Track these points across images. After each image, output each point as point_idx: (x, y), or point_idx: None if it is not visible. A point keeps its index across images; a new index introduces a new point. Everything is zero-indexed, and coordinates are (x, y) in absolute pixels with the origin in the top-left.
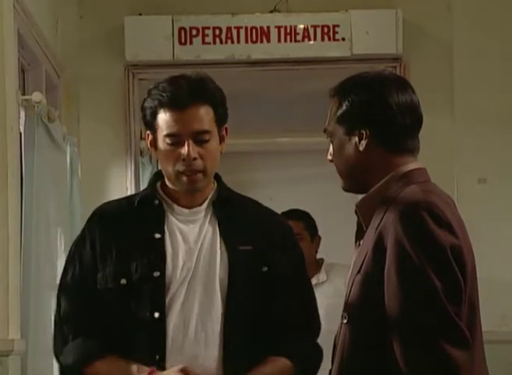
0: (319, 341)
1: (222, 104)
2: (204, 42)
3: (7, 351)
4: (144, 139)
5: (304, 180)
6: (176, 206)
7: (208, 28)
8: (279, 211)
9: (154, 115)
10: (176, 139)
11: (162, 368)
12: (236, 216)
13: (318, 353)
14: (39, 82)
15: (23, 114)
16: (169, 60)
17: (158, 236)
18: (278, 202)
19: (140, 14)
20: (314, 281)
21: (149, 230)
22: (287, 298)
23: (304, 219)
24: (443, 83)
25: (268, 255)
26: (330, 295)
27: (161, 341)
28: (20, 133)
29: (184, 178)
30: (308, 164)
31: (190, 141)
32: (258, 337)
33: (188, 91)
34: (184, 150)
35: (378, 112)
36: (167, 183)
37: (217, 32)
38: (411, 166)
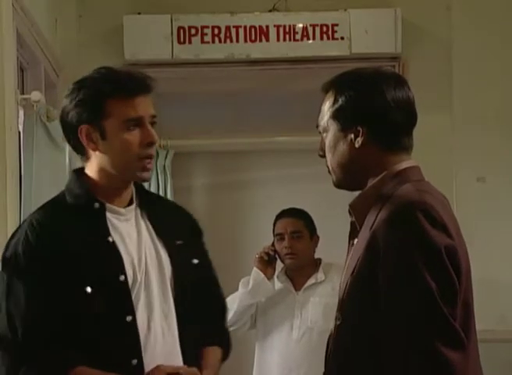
0: (316, 340)
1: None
2: (203, 41)
3: None
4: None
5: (302, 179)
6: (112, 206)
7: (207, 27)
8: (277, 209)
9: (102, 104)
10: (137, 123)
11: (141, 372)
12: (161, 212)
13: (231, 338)
14: (38, 81)
15: (21, 113)
16: (168, 59)
17: (110, 239)
18: (276, 201)
19: (139, 13)
20: (312, 281)
21: (98, 234)
22: (211, 286)
23: (304, 218)
24: (442, 83)
25: (194, 248)
26: (328, 295)
27: (136, 345)
28: (19, 133)
29: (141, 164)
30: (307, 163)
31: (149, 125)
32: (198, 327)
33: (136, 78)
34: (149, 133)
35: (375, 109)
36: (96, 181)
37: (216, 31)
38: (405, 164)
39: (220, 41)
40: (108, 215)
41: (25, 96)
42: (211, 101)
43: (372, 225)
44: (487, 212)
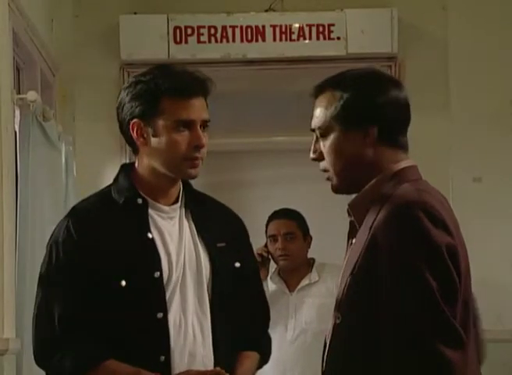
0: (311, 341)
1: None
2: (199, 41)
3: (2, 350)
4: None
5: (299, 178)
6: (156, 204)
7: (204, 27)
8: (272, 209)
9: (157, 101)
10: (187, 125)
11: (168, 369)
12: (207, 213)
13: (271, 343)
14: (34, 81)
15: (17, 113)
16: (165, 59)
17: (150, 236)
18: (273, 201)
19: (135, 13)
20: (306, 281)
21: (139, 229)
22: (254, 292)
23: (297, 219)
24: (439, 83)
25: (237, 251)
26: (322, 295)
27: (164, 342)
28: (15, 132)
29: (189, 163)
30: (304, 163)
31: (199, 130)
32: (235, 331)
33: (195, 79)
34: (198, 136)
35: (377, 109)
36: (143, 177)
37: (212, 31)
38: (404, 163)
39: (216, 41)
40: (151, 212)
41: (21, 96)
42: (208, 100)
43: (372, 225)
44: (483, 212)
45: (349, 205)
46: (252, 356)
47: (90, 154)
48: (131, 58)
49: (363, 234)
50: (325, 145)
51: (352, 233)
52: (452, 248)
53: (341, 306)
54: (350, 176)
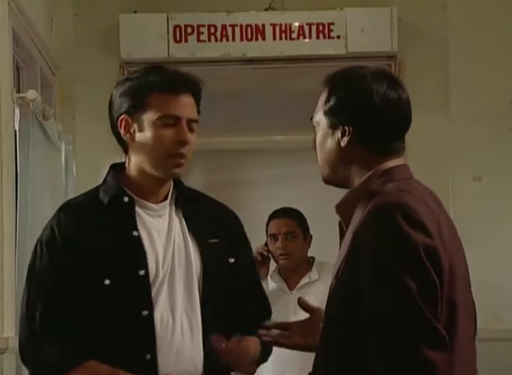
0: None
1: (200, 99)
2: (199, 40)
3: (2, 349)
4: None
5: (299, 177)
6: (144, 202)
7: (203, 26)
8: (272, 209)
9: (145, 96)
10: (172, 121)
11: (154, 367)
12: (199, 210)
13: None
14: (34, 80)
15: (17, 112)
16: (164, 58)
17: (135, 234)
18: (273, 200)
19: (135, 12)
20: (306, 280)
21: (124, 227)
22: (251, 287)
23: (297, 218)
24: (439, 82)
25: (232, 247)
26: (322, 294)
27: (150, 340)
28: (15, 132)
29: (173, 161)
30: (304, 162)
31: (185, 126)
32: (230, 328)
33: (181, 78)
34: (182, 132)
35: (363, 112)
36: (131, 176)
37: (212, 30)
38: (392, 163)
39: (216, 40)
40: (139, 210)
41: (21, 95)
42: (208, 100)
43: (355, 227)
44: (483, 212)
45: (336, 207)
46: (256, 340)
47: (90, 153)
48: (131, 57)
49: (348, 236)
50: (317, 138)
51: (342, 233)
52: (430, 248)
53: (326, 309)
54: (331, 170)
